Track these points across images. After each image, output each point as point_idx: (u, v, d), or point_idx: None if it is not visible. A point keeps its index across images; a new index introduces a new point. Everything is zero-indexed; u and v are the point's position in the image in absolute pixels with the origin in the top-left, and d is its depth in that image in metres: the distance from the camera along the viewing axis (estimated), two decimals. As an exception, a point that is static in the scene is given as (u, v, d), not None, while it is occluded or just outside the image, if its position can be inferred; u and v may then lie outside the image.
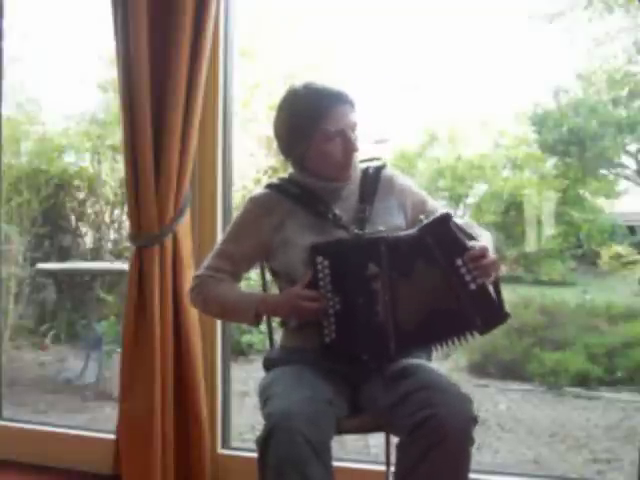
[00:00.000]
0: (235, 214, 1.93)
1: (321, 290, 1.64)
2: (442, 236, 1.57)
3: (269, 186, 1.87)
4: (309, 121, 1.72)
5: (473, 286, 1.55)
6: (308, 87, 1.76)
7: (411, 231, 1.65)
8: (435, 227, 1.59)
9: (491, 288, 1.59)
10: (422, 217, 1.66)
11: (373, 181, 1.83)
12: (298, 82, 1.80)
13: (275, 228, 1.79)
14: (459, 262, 1.55)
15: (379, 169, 1.86)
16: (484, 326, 1.58)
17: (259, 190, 1.89)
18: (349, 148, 1.74)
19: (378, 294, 1.60)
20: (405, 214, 1.82)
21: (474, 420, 1.51)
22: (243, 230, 1.83)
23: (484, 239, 1.73)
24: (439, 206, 1.88)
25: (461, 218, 1.90)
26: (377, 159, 1.89)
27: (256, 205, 1.84)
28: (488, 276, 1.58)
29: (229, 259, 1.82)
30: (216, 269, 1.82)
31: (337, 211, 1.76)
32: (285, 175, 1.89)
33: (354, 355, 1.66)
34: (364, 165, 1.87)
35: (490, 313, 1.57)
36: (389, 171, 1.87)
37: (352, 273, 1.63)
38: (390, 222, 1.78)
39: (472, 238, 1.61)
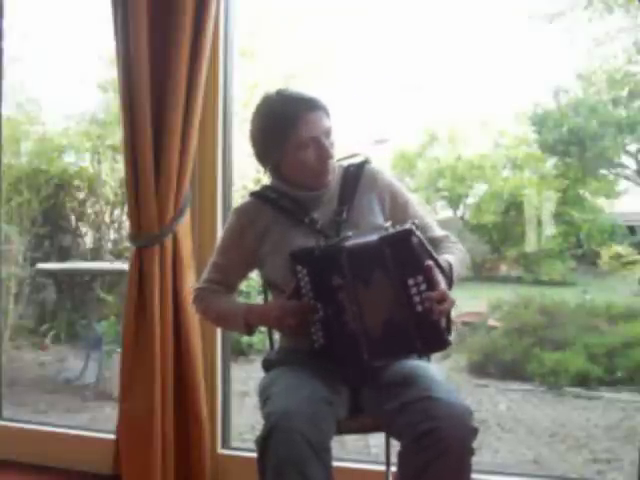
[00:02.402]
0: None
1: (304, 298, 1.64)
2: (400, 251, 1.51)
3: (252, 195, 1.86)
4: (282, 128, 1.69)
5: (419, 308, 1.50)
6: (280, 94, 1.74)
7: (372, 238, 1.57)
8: (395, 240, 1.52)
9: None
10: (387, 225, 1.60)
11: (353, 179, 1.79)
12: (271, 89, 1.78)
13: (260, 236, 1.79)
14: (411, 282, 1.49)
15: (361, 166, 1.82)
16: (423, 349, 1.56)
17: (243, 200, 1.89)
18: (323, 155, 1.71)
19: (345, 304, 1.59)
20: (384, 213, 1.78)
21: (474, 432, 1.51)
22: (229, 242, 1.85)
23: (455, 259, 1.68)
24: (423, 213, 1.83)
25: (442, 230, 1.81)
26: (357, 155, 1.84)
27: (239, 216, 1.84)
28: (438, 309, 1.50)
29: (220, 271, 1.85)
30: (210, 281, 1.85)
31: (315, 215, 1.75)
32: (267, 183, 1.87)
33: (338, 360, 1.66)
34: (345, 163, 1.83)
35: (432, 338, 1.52)
36: (372, 167, 1.83)
37: (324, 282, 1.62)
38: (371, 221, 1.75)
39: (433, 257, 1.53)
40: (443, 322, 1.52)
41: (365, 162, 1.83)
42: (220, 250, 1.87)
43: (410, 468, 1.50)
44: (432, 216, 1.89)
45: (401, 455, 1.53)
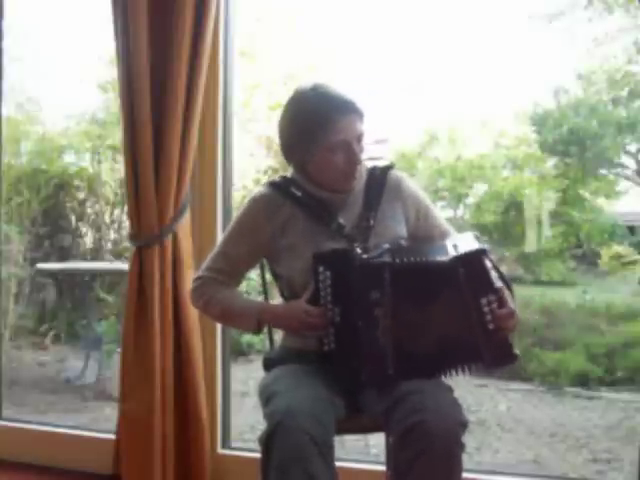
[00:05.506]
0: (236, 213, 1.89)
1: (322, 300, 1.62)
2: (474, 271, 1.55)
3: (272, 185, 1.81)
4: (312, 129, 1.66)
5: (491, 326, 1.54)
6: (316, 91, 1.69)
7: (442, 259, 1.58)
8: (470, 260, 1.55)
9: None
10: (455, 244, 1.61)
11: (379, 185, 1.78)
12: (307, 83, 1.73)
13: (278, 231, 1.75)
14: (484, 301, 1.53)
15: (386, 170, 1.80)
16: (493, 363, 1.57)
17: (261, 189, 1.83)
18: (352, 160, 1.68)
19: (379, 320, 1.57)
20: (407, 222, 1.78)
21: (463, 425, 1.50)
22: (243, 231, 1.79)
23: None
24: (443, 220, 1.83)
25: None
26: (381, 158, 1.85)
27: (258, 206, 1.79)
28: (507, 327, 1.56)
29: (228, 260, 1.79)
30: (217, 270, 1.79)
31: (341, 220, 1.73)
32: (288, 175, 1.82)
33: (352, 370, 1.65)
34: (370, 165, 1.81)
35: (501, 352, 1.56)
36: (396, 173, 1.82)
37: (353, 292, 1.60)
38: (393, 231, 1.74)
39: (502, 277, 1.59)
40: (510, 338, 1.56)
41: (390, 167, 1.82)
42: (230, 240, 1.81)
43: (399, 464, 1.51)
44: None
45: (392, 451, 1.55)
